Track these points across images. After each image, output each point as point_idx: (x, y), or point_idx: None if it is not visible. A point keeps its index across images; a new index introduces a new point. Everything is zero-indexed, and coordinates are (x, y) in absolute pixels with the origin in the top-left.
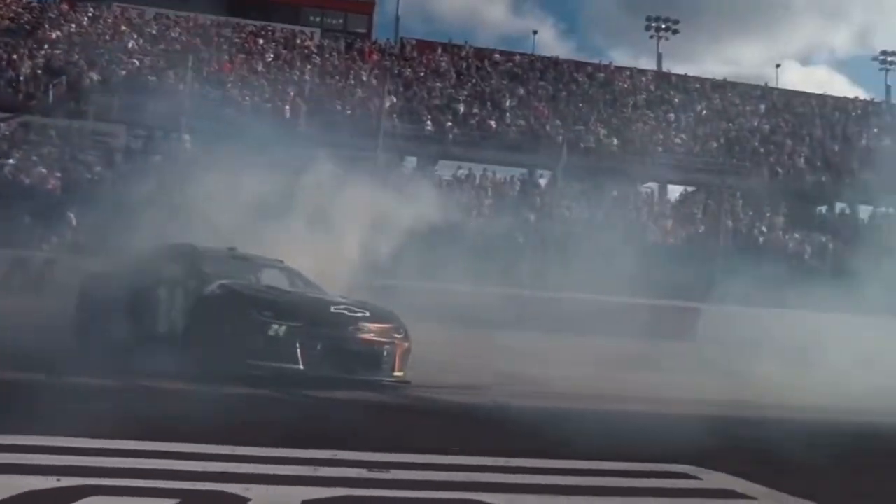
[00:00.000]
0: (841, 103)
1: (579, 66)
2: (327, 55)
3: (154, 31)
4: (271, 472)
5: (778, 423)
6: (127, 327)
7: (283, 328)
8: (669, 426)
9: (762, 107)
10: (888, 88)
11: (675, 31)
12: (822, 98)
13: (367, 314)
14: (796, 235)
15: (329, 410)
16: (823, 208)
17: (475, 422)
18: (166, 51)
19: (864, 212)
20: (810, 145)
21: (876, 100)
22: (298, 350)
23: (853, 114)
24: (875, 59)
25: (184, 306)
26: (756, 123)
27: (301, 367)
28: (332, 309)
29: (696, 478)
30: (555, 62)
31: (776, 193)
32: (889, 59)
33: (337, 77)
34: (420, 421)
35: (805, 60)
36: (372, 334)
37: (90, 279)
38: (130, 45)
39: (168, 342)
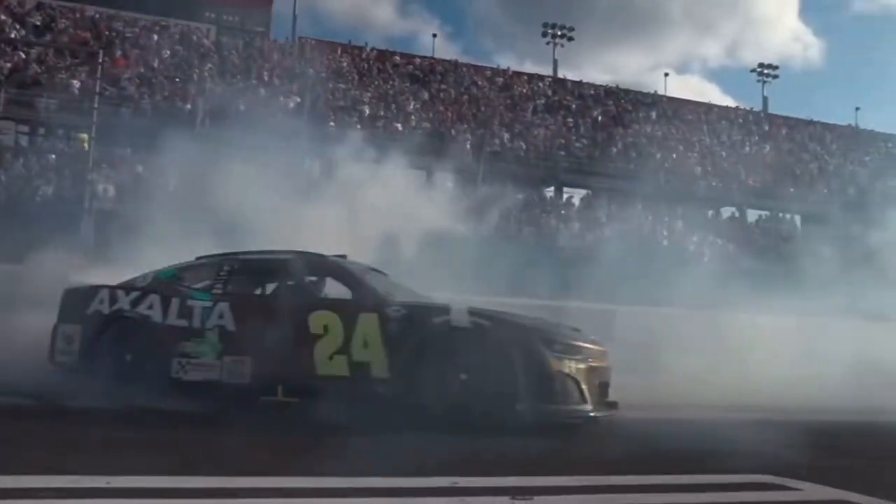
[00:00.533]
0: (724, 112)
1: (478, 69)
2: (226, 53)
3: (38, 22)
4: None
5: (782, 425)
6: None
7: (574, 365)
8: (700, 433)
9: (653, 114)
10: (765, 100)
11: (570, 39)
12: (708, 106)
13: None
14: (694, 238)
15: (454, 434)
16: (712, 212)
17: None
18: (54, 43)
19: (752, 215)
20: (700, 152)
21: (755, 109)
22: (586, 388)
23: (736, 122)
24: (753, 70)
25: (383, 338)
26: (650, 130)
27: (590, 406)
28: (590, 336)
29: (792, 489)
30: (454, 65)
31: (672, 198)
32: (766, 71)
33: (238, 76)
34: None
35: (681, 69)
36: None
37: (90, 296)
38: (13, 35)
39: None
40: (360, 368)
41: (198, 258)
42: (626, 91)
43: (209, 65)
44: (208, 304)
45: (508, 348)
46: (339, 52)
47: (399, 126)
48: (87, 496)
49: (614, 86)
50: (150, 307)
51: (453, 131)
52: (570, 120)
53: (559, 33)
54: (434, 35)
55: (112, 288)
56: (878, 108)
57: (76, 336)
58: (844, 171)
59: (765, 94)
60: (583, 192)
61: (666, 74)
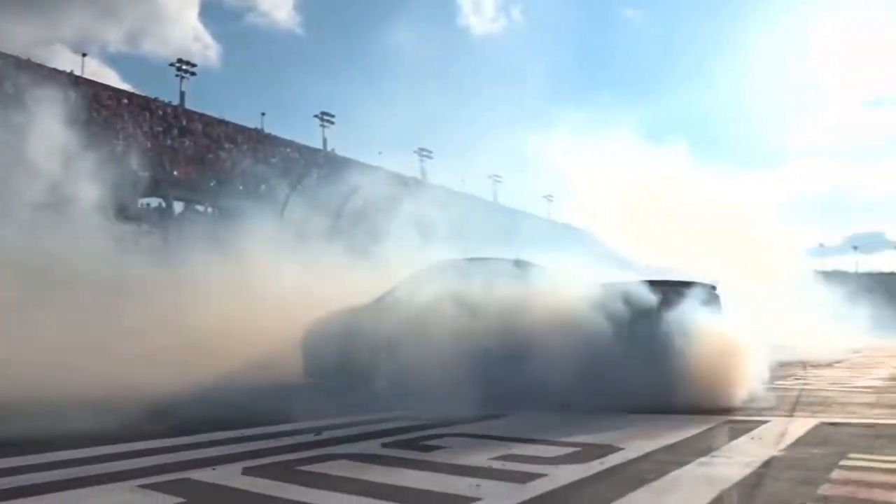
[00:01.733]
0: (143, 102)
1: None
2: None
3: None
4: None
5: None
6: None
7: None
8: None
9: (72, 95)
10: (182, 95)
11: None
12: (128, 94)
13: None
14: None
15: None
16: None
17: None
18: None
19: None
20: (125, 140)
21: (173, 103)
22: None
23: (156, 114)
24: (172, 65)
25: None
26: (67, 111)
27: None
28: None
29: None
30: None
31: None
32: (184, 66)
33: None
34: None
35: (78, 49)
36: None
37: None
38: None
39: None
40: None
41: None
42: (40, 66)
43: None
44: None
45: None
46: None
47: None
48: None
49: (25, 58)
50: None
51: None
52: None
53: None
54: None
55: None
56: (281, 115)
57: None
58: (256, 169)
59: (182, 88)
60: None
61: (84, 55)
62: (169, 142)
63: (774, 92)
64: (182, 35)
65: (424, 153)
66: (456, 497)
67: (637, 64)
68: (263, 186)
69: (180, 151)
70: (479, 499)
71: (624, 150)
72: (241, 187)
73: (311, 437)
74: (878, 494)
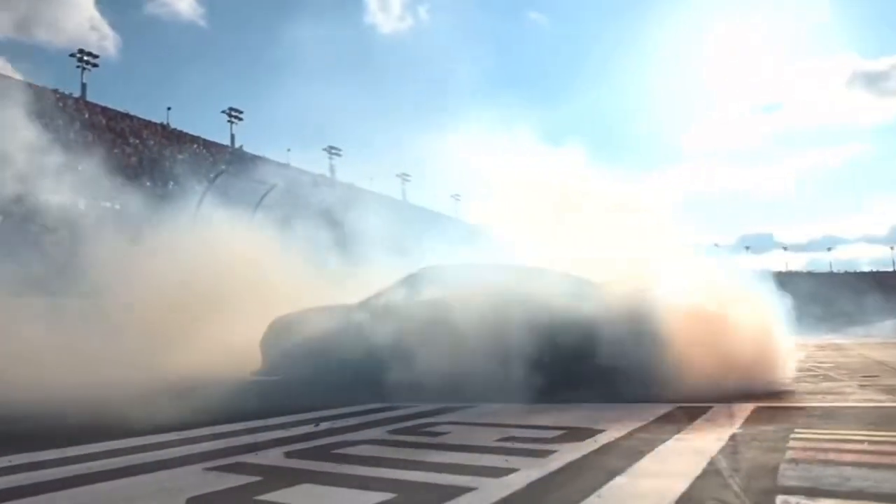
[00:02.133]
0: (41, 93)
1: None
2: None
3: None
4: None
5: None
6: None
7: None
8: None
9: None
10: (84, 86)
11: None
12: (24, 84)
13: None
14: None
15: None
16: None
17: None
18: None
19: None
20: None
21: (74, 95)
22: None
23: (57, 106)
24: (73, 55)
25: None
26: None
27: None
28: None
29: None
30: None
31: None
32: (86, 58)
33: None
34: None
35: None
36: None
37: None
38: None
39: None
40: None
41: None
42: None
43: None
44: None
45: None
46: None
47: None
48: None
49: None
50: None
51: None
52: None
53: None
54: None
55: None
56: (187, 110)
57: None
58: (162, 165)
59: (84, 80)
60: None
61: None
62: (71, 135)
63: (672, 94)
64: (77, 23)
65: (333, 151)
66: (496, 469)
67: (541, 65)
68: (172, 183)
69: (83, 146)
70: (516, 469)
71: (527, 151)
72: (148, 184)
73: (312, 428)
74: (833, 456)
